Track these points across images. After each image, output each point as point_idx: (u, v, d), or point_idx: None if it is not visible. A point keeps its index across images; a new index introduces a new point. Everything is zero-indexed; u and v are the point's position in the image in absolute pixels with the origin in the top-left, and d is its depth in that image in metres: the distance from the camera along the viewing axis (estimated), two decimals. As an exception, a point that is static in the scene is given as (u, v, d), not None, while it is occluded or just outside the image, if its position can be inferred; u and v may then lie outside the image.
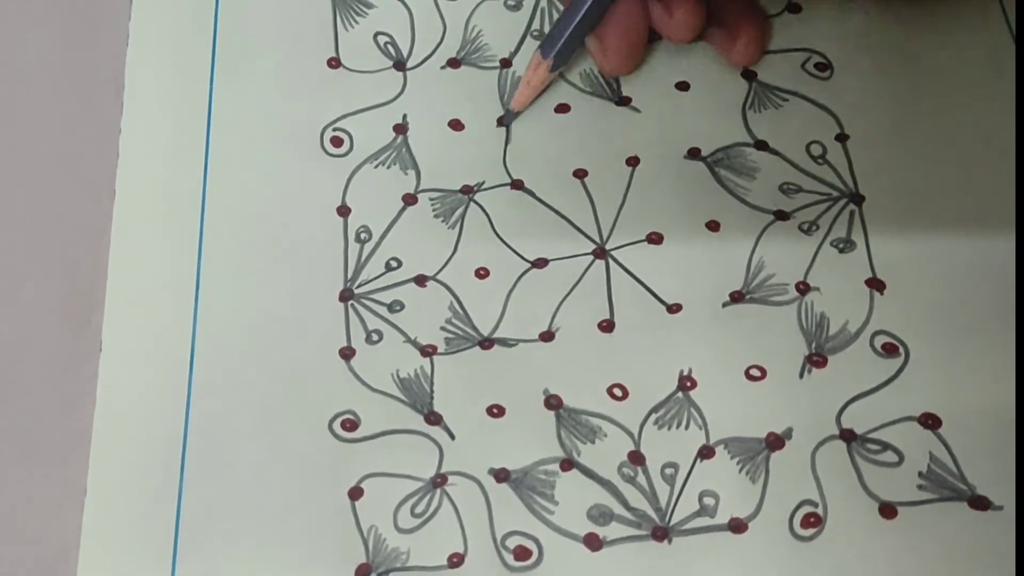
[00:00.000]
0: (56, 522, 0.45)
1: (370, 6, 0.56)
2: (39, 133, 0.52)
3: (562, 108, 0.54)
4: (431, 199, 0.52)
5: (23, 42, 0.54)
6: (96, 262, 0.50)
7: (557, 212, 0.51)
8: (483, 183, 0.52)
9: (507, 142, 0.53)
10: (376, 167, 0.52)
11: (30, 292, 0.49)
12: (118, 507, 0.46)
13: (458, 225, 0.51)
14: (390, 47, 0.55)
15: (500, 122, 0.53)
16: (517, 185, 0.52)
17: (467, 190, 0.52)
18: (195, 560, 0.45)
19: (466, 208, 0.52)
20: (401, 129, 0.53)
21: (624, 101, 0.54)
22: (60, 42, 0.54)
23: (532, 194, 0.52)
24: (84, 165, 0.52)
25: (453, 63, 0.55)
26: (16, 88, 0.53)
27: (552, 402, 0.47)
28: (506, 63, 0.55)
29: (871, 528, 0.45)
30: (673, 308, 0.49)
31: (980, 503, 0.45)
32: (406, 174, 0.52)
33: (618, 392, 0.47)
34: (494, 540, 0.45)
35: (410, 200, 0.52)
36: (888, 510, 0.45)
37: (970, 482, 0.45)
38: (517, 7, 0.56)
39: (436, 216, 0.51)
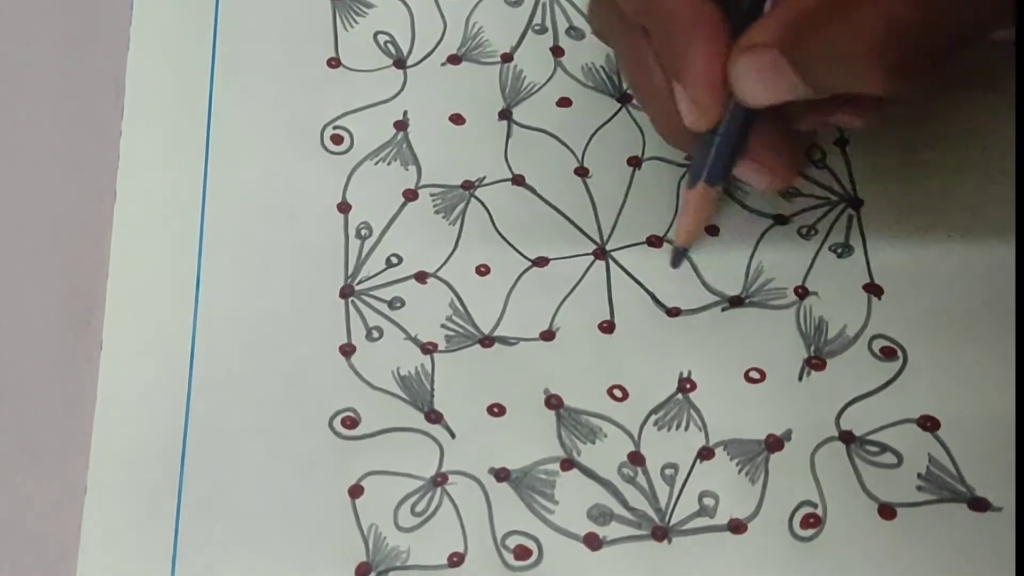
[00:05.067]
0: (56, 521, 0.45)
1: (370, 6, 0.56)
2: (41, 135, 0.52)
3: (564, 102, 0.54)
4: (432, 195, 0.52)
5: (25, 45, 0.54)
6: (97, 262, 0.50)
7: (558, 210, 0.51)
8: (484, 178, 0.52)
9: (508, 136, 0.53)
10: (376, 163, 0.52)
11: (31, 292, 0.49)
12: (118, 506, 0.46)
13: (459, 221, 0.51)
14: (390, 46, 0.55)
15: (671, 263, 0.50)
16: (518, 180, 0.52)
17: (468, 185, 0.52)
18: (195, 558, 0.45)
19: (467, 204, 0.51)
20: (401, 125, 0.53)
21: (626, 98, 0.54)
22: (61, 44, 0.54)
23: (533, 190, 0.52)
24: (85, 166, 0.52)
25: (454, 59, 0.55)
26: (18, 90, 0.53)
27: (552, 402, 0.47)
28: (507, 58, 0.55)
29: (871, 529, 0.45)
30: (672, 311, 0.49)
31: (979, 504, 0.45)
32: (407, 170, 0.52)
33: (618, 393, 0.47)
34: (494, 539, 0.45)
35: (411, 196, 0.52)
36: (887, 511, 0.45)
37: (969, 484, 0.45)
38: (518, 3, 0.56)
39: (437, 212, 0.51)
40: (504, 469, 0.46)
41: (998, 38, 0.41)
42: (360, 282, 0.50)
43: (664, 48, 0.45)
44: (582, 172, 0.52)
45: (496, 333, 0.49)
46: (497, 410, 0.47)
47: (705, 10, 0.43)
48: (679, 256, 0.49)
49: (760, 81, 0.42)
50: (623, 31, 0.47)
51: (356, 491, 0.46)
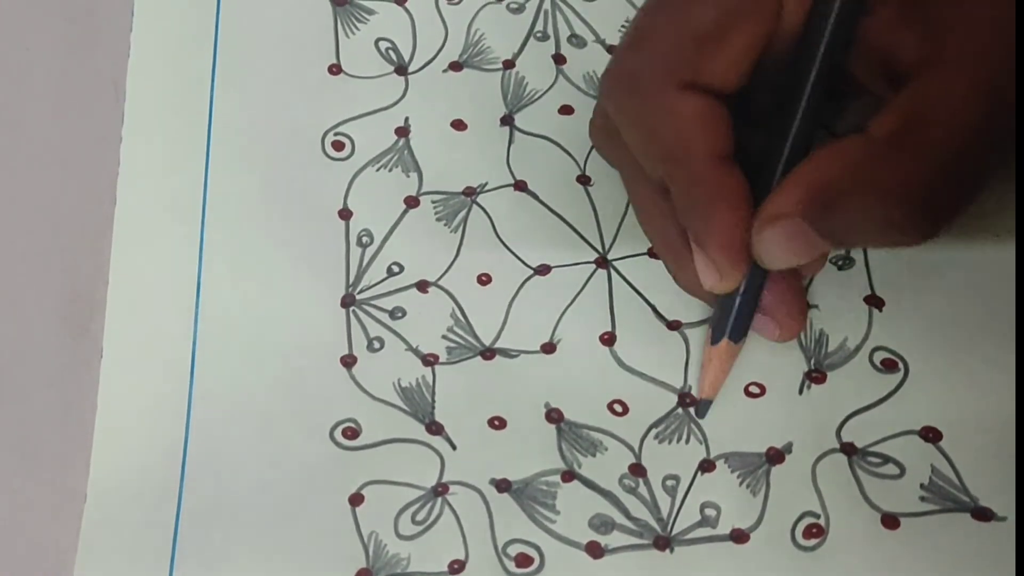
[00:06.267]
0: (55, 528, 0.45)
1: (371, 12, 0.56)
2: (41, 140, 0.52)
3: (566, 109, 0.54)
4: (433, 201, 0.52)
5: (25, 49, 0.54)
6: (97, 268, 0.50)
7: (560, 217, 0.51)
8: (486, 184, 0.52)
9: (510, 143, 0.53)
10: (378, 170, 0.52)
11: (31, 298, 0.49)
12: (117, 513, 0.46)
13: (460, 228, 0.51)
14: (391, 52, 0.55)
15: (697, 414, 0.48)
16: (520, 186, 0.52)
17: (469, 192, 0.52)
18: (194, 567, 0.45)
19: (469, 210, 0.51)
20: (403, 132, 0.53)
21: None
22: (61, 49, 0.54)
23: (535, 196, 0.52)
24: (85, 172, 0.52)
25: (455, 66, 0.54)
26: (18, 95, 0.53)
27: (553, 416, 0.47)
28: (509, 64, 0.54)
29: (874, 538, 0.45)
30: (672, 324, 0.49)
31: (983, 514, 0.45)
32: (408, 176, 0.52)
33: (618, 408, 0.47)
34: (495, 547, 0.45)
35: (412, 203, 0.51)
36: (890, 521, 0.45)
37: (972, 493, 0.45)
38: (519, 10, 0.56)
39: (438, 219, 0.51)
40: (505, 480, 0.46)
41: None
42: (361, 291, 0.50)
43: (685, 210, 0.44)
44: (584, 180, 0.52)
45: (497, 345, 0.49)
46: (498, 423, 0.47)
47: (730, 178, 0.43)
48: (703, 408, 0.48)
49: (784, 248, 0.42)
50: (637, 178, 0.47)
51: (356, 499, 0.46)
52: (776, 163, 0.43)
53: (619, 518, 0.45)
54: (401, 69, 0.54)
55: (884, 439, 0.46)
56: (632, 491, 0.46)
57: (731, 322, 0.47)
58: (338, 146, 0.52)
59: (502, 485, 0.46)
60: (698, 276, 0.45)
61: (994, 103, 0.39)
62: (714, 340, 0.47)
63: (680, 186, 0.44)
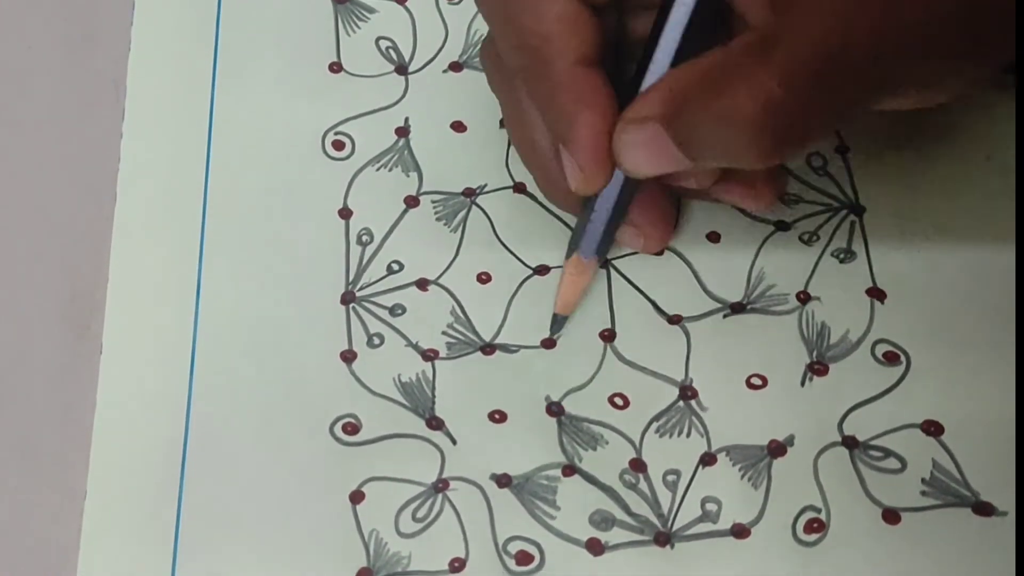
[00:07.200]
0: (56, 526, 0.45)
1: (372, 11, 0.56)
2: (41, 138, 0.52)
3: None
4: (433, 201, 0.52)
5: (25, 47, 0.54)
6: (97, 266, 0.50)
7: (559, 218, 0.51)
8: (485, 186, 0.52)
9: (509, 144, 0.53)
10: (378, 170, 0.52)
11: (31, 296, 0.49)
12: (118, 511, 0.46)
13: (460, 228, 0.51)
14: (392, 52, 0.55)
15: (551, 330, 0.49)
16: (519, 188, 0.52)
17: (469, 192, 0.52)
18: (195, 564, 0.45)
19: (468, 211, 0.51)
20: (403, 132, 0.53)
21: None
22: (62, 46, 0.54)
23: (534, 198, 0.51)
24: (85, 169, 0.52)
25: (455, 67, 0.55)
26: (18, 93, 0.53)
27: (554, 409, 0.47)
28: (508, 65, 0.55)
29: (875, 533, 0.45)
30: (674, 319, 0.49)
31: (984, 509, 0.45)
32: (408, 176, 0.52)
33: (619, 401, 0.47)
34: (496, 545, 0.45)
35: (412, 202, 0.52)
36: (891, 516, 0.45)
37: (974, 488, 0.45)
38: (519, 11, 0.56)
39: (438, 219, 0.51)
40: (505, 475, 0.46)
41: (885, 107, 0.42)
42: (361, 288, 0.50)
43: (550, 112, 0.45)
44: (583, 183, 0.52)
45: (497, 340, 0.49)
46: (498, 417, 0.47)
47: (592, 81, 0.43)
48: (557, 324, 0.49)
49: (643, 154, 0.43)
50: (507, 85, 0.48)
51: (357, 497, 0.46)
52: (642, 74, 0.44)
53: (619, 514, 0.45)
54: (401, 68, 0.54)
55: (886, 432, 0.46)
56: (632, 487, 0.46)
57: (588, 233, 0.47)
58: (338, 145, 0.53)
59: (503, 480, 0.46)
60: (562, 186, 0.46)
61: (849, 40, 0.38)
62: (567, 253, 0.48)
63: (543, 87, 0.44)
